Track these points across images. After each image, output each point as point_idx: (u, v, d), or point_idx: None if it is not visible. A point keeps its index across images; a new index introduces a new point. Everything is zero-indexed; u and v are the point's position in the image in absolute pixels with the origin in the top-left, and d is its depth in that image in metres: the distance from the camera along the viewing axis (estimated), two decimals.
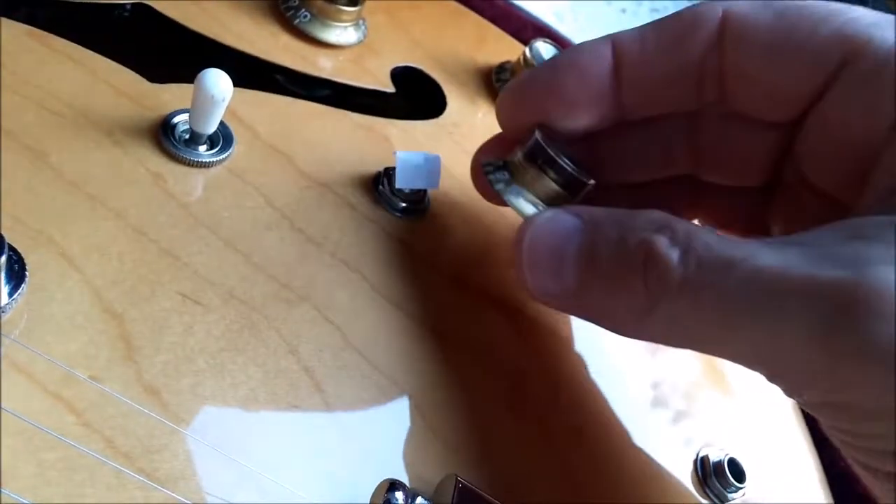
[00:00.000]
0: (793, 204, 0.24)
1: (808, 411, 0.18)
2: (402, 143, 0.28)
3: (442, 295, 0.24)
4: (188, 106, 0.22)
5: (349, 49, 0.31)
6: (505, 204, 0.23)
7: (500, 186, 0.22)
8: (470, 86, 0.33)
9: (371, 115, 0.28)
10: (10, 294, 0.17)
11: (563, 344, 0.26)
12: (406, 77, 0.32)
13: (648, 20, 0.23)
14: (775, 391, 0.20)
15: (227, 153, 0.23)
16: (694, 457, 0.27)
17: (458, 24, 0.37)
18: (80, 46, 0.24)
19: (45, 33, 0.23)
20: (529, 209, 0.22)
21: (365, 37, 0.31)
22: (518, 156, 0.23)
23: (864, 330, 0.15)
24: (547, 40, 0.35)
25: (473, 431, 0.22)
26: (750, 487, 0.26)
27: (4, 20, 0.23)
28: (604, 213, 0.20)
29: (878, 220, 0.17)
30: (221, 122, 0.23)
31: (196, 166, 0.23)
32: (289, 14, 0.30)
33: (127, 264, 0.20)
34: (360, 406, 0.20)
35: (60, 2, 0.26)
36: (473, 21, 0.38)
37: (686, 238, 0.18)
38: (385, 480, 0.18)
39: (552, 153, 0.22)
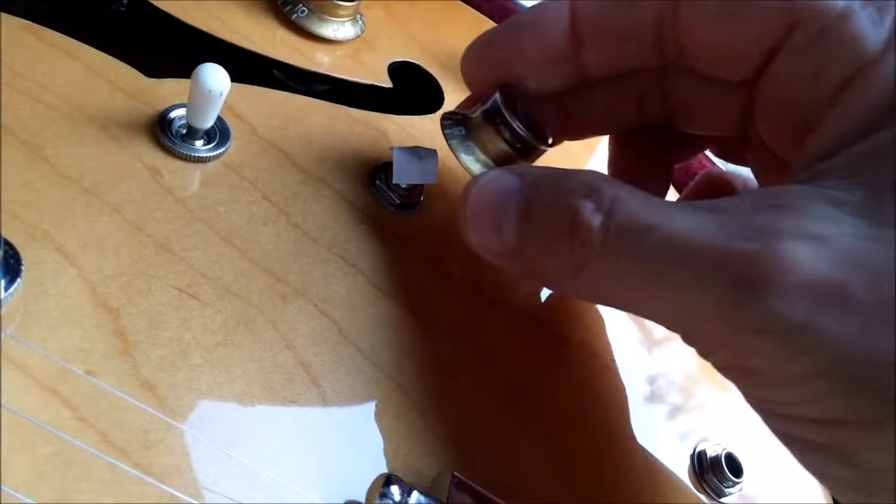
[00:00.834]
0: (759, 158, 0.25)
1: (720, 372, 0.19)
2: (400, 139, 0.28)
3: (439, 290, 0.24)
4: (185, 101, 0.22)
5: (346, 44, 0.31)
6: None
7: (453, 142, 0.23)
8: None
9: (368, 111, 0.28)
10: (6, 289, 0.17)
11: (559, 339, 0.26)
12: (403, 72, 0.32)
13: None
14: None
15: (224, 148, 0.23)
16: (691, 452, 0.27)
17: (455, 20, 0.37)
18: (76, 41, 0.24)
19: (41, 27, 0.23)
20: (476, 168, 0.23)
21: (362, 32, 0.31)
22: (477, 114, 0.23)
23: (765, 303, 0.16)
24: None
25: (470, 426, 0.22)
26: (747, 482, 0.27)
27: (1, 14, 0.23)
28: (542, 173, 0.21)
29: (798, 188, 0.18)
30: (218, 117, 0.23)
31: (193, 161, 0.23)
32: (286, 9, 0.30)
33: (123, 259, 0.20)
34: (356, 400, 0.20)
35: None
36: (470, 16, 0.38)
37: (611, 203, 0.18)
38: (381, 475, 0.18)
39: (507, 116, 0.22)
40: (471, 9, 0.38)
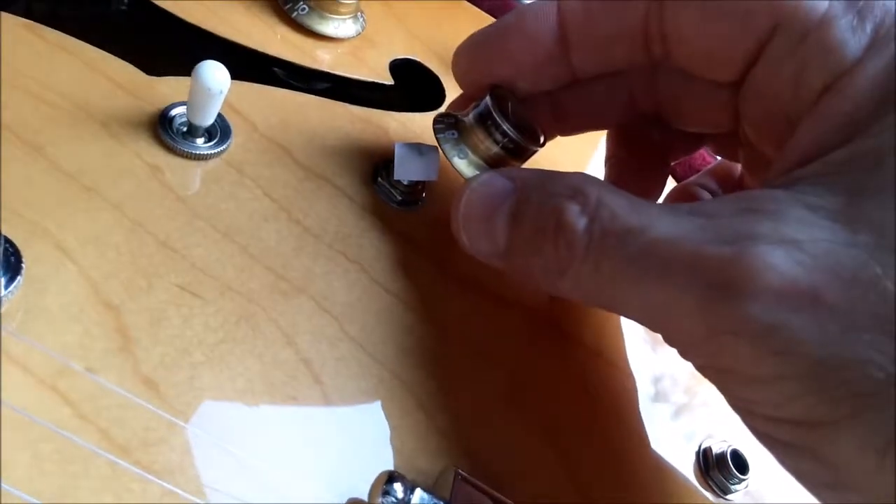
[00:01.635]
0: (749, 156, 0.25)
1: (699, 372, 0.19)
2: (401, 136, 0.28)
3: (440, 286, 0.24)
4: (186, 98, 0.22)
5: (347, 41, 0.31)
6: None
7: (446, 146, 0.23)
8: None
9: (369, 108, 0.28)
10: (6, 286, 0.17)
11: (563, 336, 0.26)
12: (405, 69, 0.32)
13: None
14: None
15: (225, 145, 0.23)
16: (696, 449, 0.26)
17: (456, 17, 0.37)
18: (76, 39, 0.24)
19: (42, 26, 0.23)
20: (469, 171, 0.23)
21: (363, 29, 0.31)
22: (469, 117, 0.23)
23: (738, 306, 0.16)
24: None
25: (473, 423, 0.22)
26: (753, 479, 0.26)
27: (1, 13, 0.23)
28: (532, 176, 0.21)
29: (775, 193, 0.18)
30: (219, 115, 0.23)
31: (193, 158, 0.22)
32: (287, 6, 0.30)
33: (124, 256, 0.19)
34: (358, 397, 0.20)
35: None
36: (471, 13, 0.38)
37: (595, 205, 0.19)
38: (384, 472, 0.18)
39: (498, 119, 0.22)
40: (471, 5, 0.38)
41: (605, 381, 0.26)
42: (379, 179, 0.26)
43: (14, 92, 0.21)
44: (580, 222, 0.19)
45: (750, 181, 0.27)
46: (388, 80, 0.31)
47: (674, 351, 0.29)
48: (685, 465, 0.26)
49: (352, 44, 0.31)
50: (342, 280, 0.22)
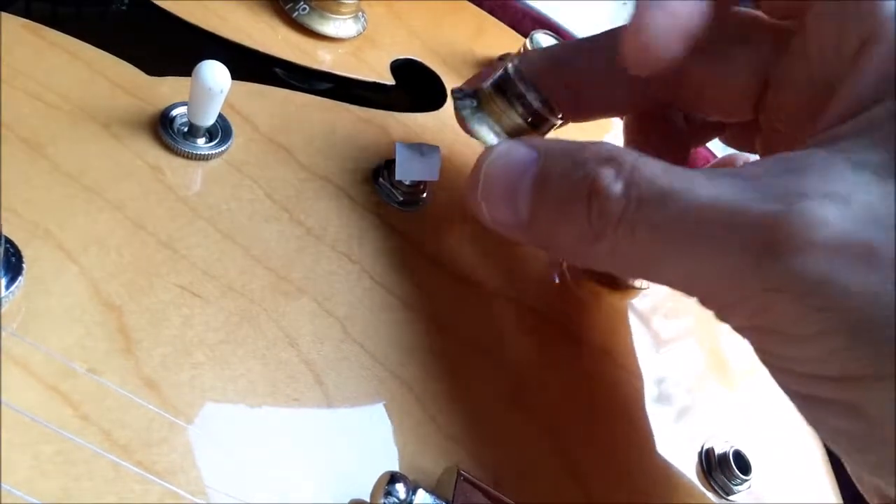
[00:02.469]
0: (768, 143, 0.25)
1: (737, 332, 0.19)
2: (402, 136, 0.28)
3: (442, 286, 0.24)
4: (186, 98, 0.22)
5: (348, 41, 0.31)
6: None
7: (465, 112, 0.23)
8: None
9: (371, 108, 0.28)
10: (8, 286, 0.17)
11: (567, 337, 0.26)
12: (406, 69, 0.32)
13: None
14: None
15: (226, 146, 0.23)
16: (698, 450, 0.26)
17: (457, 16, 0.37)
18: (76, 39, 0.23)
19: (42, 26, 0.23)
20: (491, 138, 0.22)
21: (364, 29, 0.31)
22: (487, 86, 0.23)
23: (788, 263, 0.16)
24: (547, 32, 0.35)
25: (475, 423, 0.22)
26: (755, 479, 0.26)
27: (1, 13, 0.23)
28: (557, 145, 0.21)
29: (817, 152, 0.18)
30: (220, 115, 0.23)
31: (194, 159, 0.22)
32: (287, 7, 0.29)
33: (125, 257, 0.19)
34: (360, 398, 0.20)
35: None
36: (472, 12, 0.38)
37: (630, 170, 0.18)
38: (386, 472, 0.17)
39: (522, 88, 0.22)
40: (472, 5, 0.38)
41: (608, 381, 0.26)
42: (380, 179, 0.25)
43: (14, 92, 0.21)
44: (615, 186, 0.18)
45: None
46: (390, 81, 0.31)
47: (677, 351, 0.29)
48: (688, 466, 0.26)
49: (353, 44, 0.31)
50: (344, 281, 0.22)
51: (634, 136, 0.28)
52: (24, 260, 0.18)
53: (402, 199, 0.25)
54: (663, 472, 0.25)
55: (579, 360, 0.26)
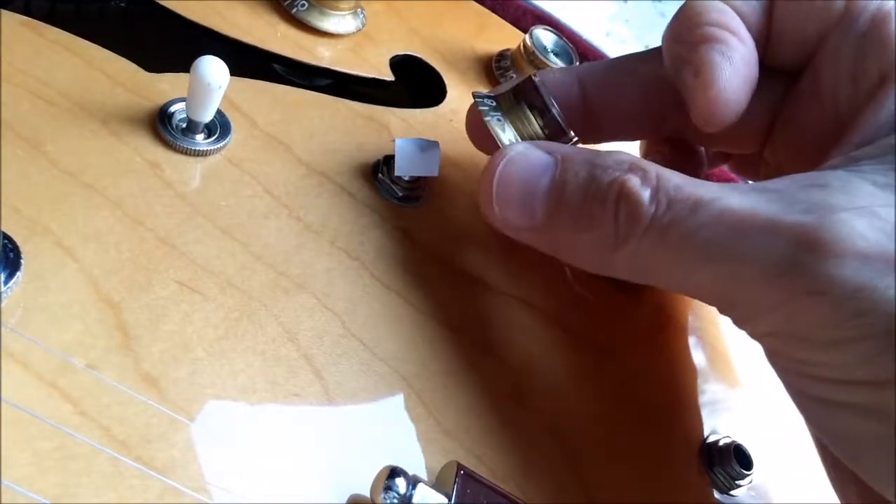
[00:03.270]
0: (770, 173, 0.25)
1: (753, 339, 0.19)
2: (402, 132, 0.28)
3: (441, 282, 0.24)
4: (185, 95, 0.22)
5: (347, 38, 0.31)
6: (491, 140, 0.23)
7: (484, 109, 0.23)
8: (469, 74, 0.33)
9: (370, 104, 0.28)
10: (6, 283, 0.17)
11: (566, 332, 0.26)
12: (405, 65, 0.32)
13: None
14: (780, 381, 0.20)
15: (225, 142, 0.23)
16: (700, 446, 0.26)
17: (457, 12, 0.36)
18: (75, 36, 0.23)
19: (41, 23, 0.23)
20: (507, 139, 0.22)
21: (363, 25, 0.31)
22: (509, 93, 0.23)
23: (828, 268, 0.16)
24: (547, 28, 0.34)
25: (475, 419, 0.22)
26: (756, 474, 0.26)
27: (1, 11, 0.23)
28: (574, 152, 0.21)
29: (838, 172, 0.18)
30: (219, 111, 0.23)
31: (193, 155, 0.22)
32: (286, 3, 0.29)
33: (124, 253, 0.19)
34: (360, 393, 0.20)
35: None
36: (472, 9, 0.37)
37: (656, 178, 0.19)
38: (385, 467, 0.17)
39: (546, 101, 0.22)
40: (472, 2, 0.38)
41: (609, 377, 0.26)
42: (380, 175, 0.25)
43: (13, 89, 0.21)
44: (644, 192, 0.19)
45: None
46: (389, 77, 0.31)
47: (678, 348, 0.29)
48: (690, 462, 0.26)
49: (352, 40, 0.31)
50: (343, 277, 0.22)
51: (650, 157, 0.28)
52: (22, 256, 0.18)
53: (401, 194, 0.25)
54: (665, 470, 0.25)
55: (581, 357, 0.26)
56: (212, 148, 0.23)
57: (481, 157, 0.26)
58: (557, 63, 0.33)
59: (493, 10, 0.38)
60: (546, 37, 0.34)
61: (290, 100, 0.26)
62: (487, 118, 0.23)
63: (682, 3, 0.23)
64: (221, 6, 0.28)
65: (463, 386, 0.22)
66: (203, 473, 0.17)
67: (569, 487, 0.22)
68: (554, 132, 0.22)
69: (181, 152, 0.22)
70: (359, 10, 0.31)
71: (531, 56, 0.32)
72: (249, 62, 0.27)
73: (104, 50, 0.24)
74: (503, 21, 0.38)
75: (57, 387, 0.17)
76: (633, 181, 0.19)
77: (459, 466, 0.18)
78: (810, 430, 0.22)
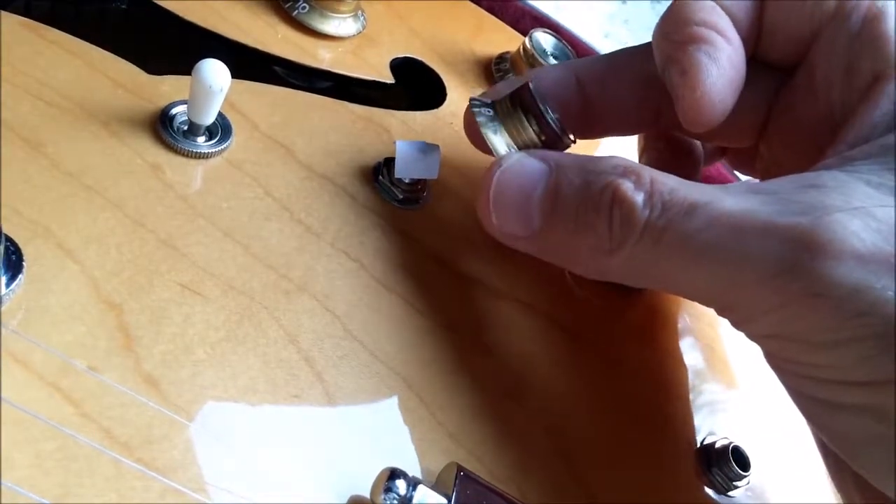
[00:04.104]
0: (767, 167, 0.25)
1: (751, 340, 0.19)
2: (402, 134, 0.28)
3: (442, 284, 0.24)
4: (186, 97, 0.22)
5: (348, 40, 0.31)
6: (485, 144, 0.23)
7: (481, 119, 0.23)
8: (469, 76, 0.33)
9: (370, 106, 0.28)
10: (8, 284, 0.17)
11: (565, 334, 0.26)
12: (406, 68, 0.32)
13: None
14: (778, 382, 0.20)
15: (226, 144, 0.23)
16: (697, 447, 0.26)
17: (456, 15, 0.37)
18: (76, 38, 0.23)
19: (42, 25, 0.23)
20: (503, 149, 0.22)
21: (364, 27, 0.31)
22: (506, 99, 0.23)
23: (819, 270, 0.16)
24: (547, 30, 0.35)
25: (475, 420, 0.22)
26: (754, 476, 0.26)
27: (1, 12, 0.23)
28: (569, 158, 0.21)
29: (833, 173, 0.18)
30: (220, 113, 0.23)
31: (194, 157, 0.22)
32: (287, 5, 0.29)
33: (125, 255, 0.19)
34: (360, 395, 0.20)
35: None
36: (471, 11, 0.38)
37: (650, 182, 0.19)
38: (386, 469, 0.17)
39: (542, 107, 0.22)
40: (472, 4, 0.38)
41: (608, 378, 0.26)
42: (380, 178, 0.25)
43: (14, 91, 0.21)
44: (638, 197, 0.19)
45: None
46: (389, 79, 0.31)
47: (675, 349, 0.29)
48: (687, 463, 0.26)
49: (352, 42, 0.31)
50: (344, 279, 0.22)
51: (647, 153, 0.28)
52: (24, 258, 0.18)
53: (402, 197, 0.25)
54: (663, 470, 0.25)
55: (581, 358, 0.26)
56: (213, 150, 0.23)
57: (481, 160, 0.26)
58: None
59: (492, 12, 0.38)
60: (545, 39, 0.34)
61: (290, 102, 0.26)
62: (484, 129, 0.23)
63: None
64: (222, 8, 0.28)
65: (463, 387, 0.22)
66: (204, 474, 0.17)
67: (568, 488, 0.22)
68: (551, 138, 0.22)
69: (182, 154, 0.22)
70: (359, 12, 0.31)
71: (531, 59, 0.33)
72: (250, 64, 0.27)
73: (105, 51, 0.24)
74: (502, 23, 0.38)
75: (58, 388, 0.17)
76: (627, 185, 0.19)
77: (459, 468, 0.19)
78: (810, 427, 0.22)
